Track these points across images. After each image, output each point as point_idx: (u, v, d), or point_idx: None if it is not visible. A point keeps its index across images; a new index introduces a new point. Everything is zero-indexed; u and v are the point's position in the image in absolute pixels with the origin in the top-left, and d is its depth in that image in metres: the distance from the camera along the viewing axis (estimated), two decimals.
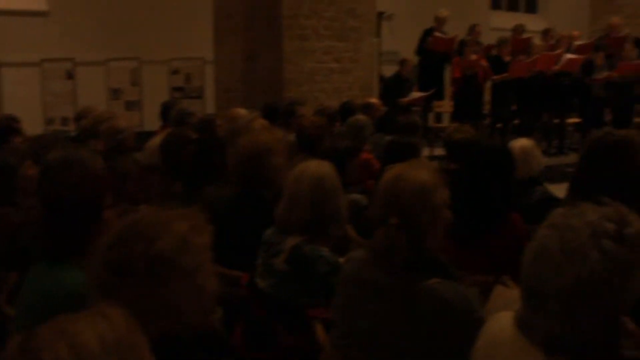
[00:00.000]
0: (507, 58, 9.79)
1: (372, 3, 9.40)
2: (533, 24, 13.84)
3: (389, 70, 10.58)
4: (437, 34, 10.07)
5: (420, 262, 1.99)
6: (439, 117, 10.95)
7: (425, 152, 9.17)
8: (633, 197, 2.69)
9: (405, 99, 9.35)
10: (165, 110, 7.11)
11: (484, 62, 9.61)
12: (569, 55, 9.93)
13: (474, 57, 9.51)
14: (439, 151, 8.27)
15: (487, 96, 10.15)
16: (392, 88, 9.51)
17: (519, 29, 10.96)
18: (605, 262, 1.35)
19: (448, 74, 10.47)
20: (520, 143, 3.97)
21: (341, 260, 2.55)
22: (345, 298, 2.12)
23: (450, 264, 2.09)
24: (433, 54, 10.04)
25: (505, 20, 13.36)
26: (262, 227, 2.84)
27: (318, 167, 2.70)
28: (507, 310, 2.21)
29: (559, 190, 4.20)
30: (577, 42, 10.93)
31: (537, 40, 10.27)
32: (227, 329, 3.08)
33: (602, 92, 10.09)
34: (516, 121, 10.03)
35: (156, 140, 4.49)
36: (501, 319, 1.62)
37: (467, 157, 3.23)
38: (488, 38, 10.92)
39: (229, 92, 9.47)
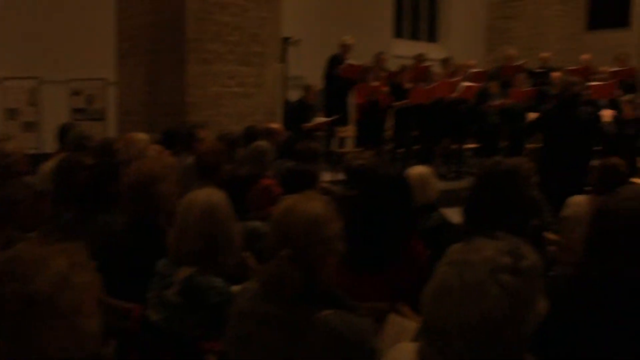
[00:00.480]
0: (408, 85, 10.07)
1: (277, 29, 9.45)
2: (433, 52, 14.31)
3: (296, 95, 10.65)
4: (351, 61, 10.25)
5: (313, 294, 1.97)
6: (342, 143, 11.09)
7: (328, 177, 9.25)
8: (521, 224, 2.81)
9: (309, 125, 9.42)
10: (63, 133, 6.85)
11: (384, 89, 9.83)
12: (466, 83, 10.31)
13: (375, 83, 9.72)
14: (342, 176, 8.36)
15: (389, 122, 10.38)
16: (296, 113, 9.57)
17: (420, 58, 11.31)
18: (505, 296, 1.37)
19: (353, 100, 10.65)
20: (418, 170, 4.07)
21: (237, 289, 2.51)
22: (236, 330, 2.07)
23: (344, 294, 2.09)
24: (339, 80, 10.19)
25: (407, 49, 13.75)
26: (155, 257, 2.76)
27: (208, 197, 2.65)
28: (401, 338, 2.23)
29: (457, 213, 4.32)
30: (474, 70, 11.37)
31: (436, 68, 10.62)
32: None
33: (496, 118, 10.53)
34: (417, 146, 10.28)
35: (49, 164, 4.32)
36: (402, 352, 1.61)
37: (363, 185, 3.27)
38: (391, 65, 11.20)
39: (131, 115, 9.27)
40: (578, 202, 4.50)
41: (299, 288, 1.95)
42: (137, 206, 3.13)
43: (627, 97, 9.66)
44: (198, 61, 8.55)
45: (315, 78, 10.67)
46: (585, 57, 11.78)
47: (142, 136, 5.61)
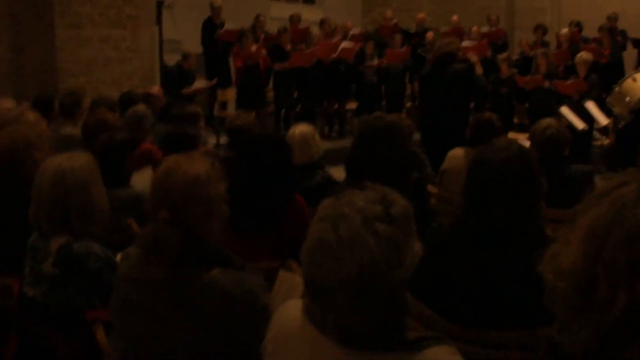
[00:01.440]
0: (288, 47, 10.02)
1: None
2: (311, 14, 14.32)
3: (172, 59, 10.35)
4: (227, 26, 10.06)
5: (197, 255, 1.94)
6: (224, 105, 10.95)
7: (212, 140, 9.14)
8: (401, 177, 2.90)
9: (189, 89, 9.23)
10: None
11: (263, 52, 9.74)
12: (345, 44, 10.40)
13: (254, 47, 9.60)
14: (225, 139, 8.28)
15: (270, 84, 10.33)
16: (174, 78, 9.34)
17: (295, 18, 11.28)
18: (381, 245, 1.36)
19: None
20: (300, 129, 4.07)
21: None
22: (121, 297, 2.01)
23: (230, 254, 2.07)
24: (218, 44, 10.01)
25: (284, 10, 13.64)
26: (29, 230, 2.63)
27: (61, 162, 2.54)
28: (291, 295, 2.25)
29: (340, 172, 4.39)
30: (352, 32, 11.49)
31: (314, 30, 10.63)
32: (3, 341, 2.84)
33: (374, 78, 10.74)
34: (298, 108, 10.32)
35: None
36: (290, 310, 1.60)
37: (243, 145, 3.25)
38: (268, 27, 11.09)
39: None
40: (456, 155, 4.69)
41: (179, 250, 1.91)
42: (6, 175, 2.96)
43: (503, 55, 10.07)
44: (67, 26, 8.10)
45: (191, 42, 10.43)
46: (454, 18, 12.17)
47: (8, 104, 5.29)
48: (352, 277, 1.35)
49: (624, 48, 11.32)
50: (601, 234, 1.09)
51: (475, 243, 2.20)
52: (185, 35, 11.62)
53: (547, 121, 4.27)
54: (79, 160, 2.57)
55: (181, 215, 1.92)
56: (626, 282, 1.06)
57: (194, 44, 10.31)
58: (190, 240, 1.93)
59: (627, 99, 6.95)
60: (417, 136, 6.50)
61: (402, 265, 1.40)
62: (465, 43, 10.86)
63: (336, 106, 10.71)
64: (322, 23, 11.41)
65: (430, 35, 11.48)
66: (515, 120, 10.03)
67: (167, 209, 1.91)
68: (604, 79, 9.67)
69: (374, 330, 1.41)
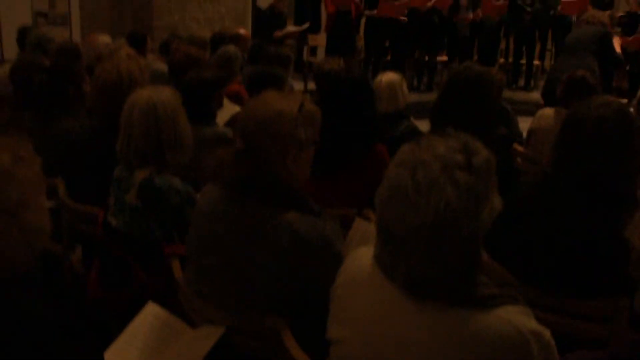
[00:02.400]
0: None
1: None
2: None
3: (266, 2, 10.36)
4: None
5: (276, 195, 1.93)
6: (314, 51, 10.90)
7: (300, 86, 9.14)
8: (487, 131, 2.80)
9: (280, 33, 9.21)
10: (22, 37, 6.59)
11: None
12: None
13: None
14: (313, 85, 8.27)
15: (361, 31, 10.19)
16: (266, 21, 9.33)
17: None
18: (459, 194, 1.32)
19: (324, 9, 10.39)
20: (387, 77, 4.00)
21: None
22: (198, 232, 2.04)
23: (308, 197, 2.05)
24: None
25: None
26: (115, 161, 2.70)
27: (149, 96, 2.56)
28: (365, 242, 2.22)
29: (427, 125, 4.30)
30: None
31: None
32: (87, 267, 2.97)
33: (467, 31, 10.40)
34: (388, 57, 10.15)
35: (6, 68, 4.16)
36: (361, 257, 1.58)
37: (327, 89, 3.20)
38: None
39: (95, 18, 8.93)
40: (545, 114, 4.50)
41: (247, 180, 1.91)
42: (108, 108, 3.01)
43: (606, 13, 9.55)
44: None
45: None
46: None
47: (105, 38, 5.43)
48: (426, 225, 1.32)
49: None
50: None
51: (561, 203, 2.11)
52: None
53: None
54: (166, 94, 2.60)
55: (254, 147, 1.92)
56: None
57: None
58: (261, 174, 1.92)
59: None
60: None
61: (479, 217, 1.35)
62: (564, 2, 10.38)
63: (427, 58, 10.47)
64: None
65: None
66: (615, 83, 9.53)
67: (242, 138, 1.91)
68: None
69: (444, 282, 1.38)
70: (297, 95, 2.09)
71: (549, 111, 4.52)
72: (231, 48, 5.47)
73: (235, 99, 4.72)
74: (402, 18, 9.68)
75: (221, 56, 5.20)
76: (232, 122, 4.43)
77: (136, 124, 2.53)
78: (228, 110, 4.34)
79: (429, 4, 9.93)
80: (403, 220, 1.34)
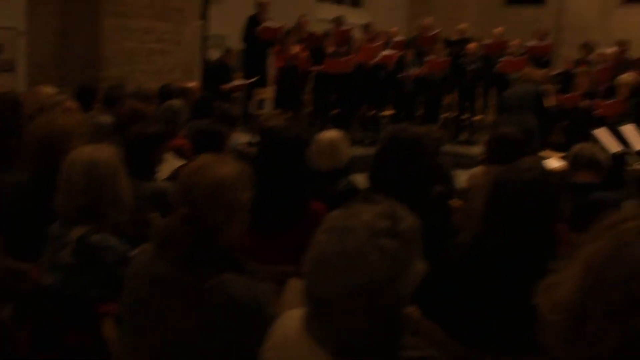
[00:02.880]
0: (330, 50, 10.02)
1: None
2: (357, 17, 14.32)
3: (216, 55, 10.45)
4: (266, 23, 10.11)
5: (210, 257, 1.95)
6: (261, 105, 11.01)
7: (246, 139, 9.19)
8: (424, 190, 2.88)
9: (227, 86, 9.31)
10: None
11: (304, 54, 9.76)
12: (385, 52, 10.35)
13: (295, 48, 9.63)
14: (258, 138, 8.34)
15: (309, 85, 10.35)
16: (214, 73, 9.42)
17: (339, 21, 11.28)
18: (384, 260, 1.35)
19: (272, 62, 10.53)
20: (329, 134, 4.07)
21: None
22: (132, 292, 2.04)
23: (243, 258, 2.07)
24: (258, 41, 10.06)
25: (331, 12, 13.66)
26: (50, 217, 2.68)
27: (91, 152, 2.57)
28: (299, 303, 2.24)
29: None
30: (395, 39, 11.46)
31: (357, 34, 10.62)
32: (18, 326, 2.89)
33: (412, 86, 10.68)
34: (335, 111, 10.31)
35: None
36: (291, 319, 1.60)
37: (265, 144, 3.25)
38: (314, 29, 11.10)
39: (42, 67, 8.84)
40: (476, 173, 4.64)
41: (190, 249, 1.92)
42: (45, 163, 3.00)
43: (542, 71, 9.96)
44: (114, 14, 8.23)
45: (237, 38, 10.49)
46: (497, 30, 12.02)
47: (49, 90, 5.39)
48: (352, 291, 1.35)
49: None
50: (598, 268, 1.07)
51: (488, 264, 2.18)
52: (231, 31, 11.71)
53: (585, 145, 4.21)
54: (107, 151, 2.62)
55: (201, 216, 1.93)
56: (620, 319, 1.04)
57: (238, 41, 10.35)
58: (204, 241, 1.94)
59: None
60: None
61: (403, 282, 1.39)
62: (506, 58, 10.80)
63: (373, 112, 10.68)
64: (365, 27, 11.40)
65: (472, 46, 11.37)
66: (552, 138, 9.88)
67: (187, 207, 1.93)
68: None
69: (369, 346, 1.40)
70: (234, 158, 2.12)
71: (479, 170, 4.67)
72: (176, 102, 5.50)
73: (179, 153, 4.74)
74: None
75: (166, 110, 5.23)
76: (174, 176, 4.44)
77: (76, 181, 2.52)
78: (171, 164, 4.34)
79: (375, 61, 10.17)
80: (330, 286, 1.37)
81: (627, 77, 8.96)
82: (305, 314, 1.50)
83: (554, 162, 5.79)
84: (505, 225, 2.16)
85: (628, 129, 7.70)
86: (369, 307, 1.36)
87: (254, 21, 10.15)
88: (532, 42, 11.65)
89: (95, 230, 2.51)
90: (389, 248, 1.37)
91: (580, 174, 3.99)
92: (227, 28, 11.85)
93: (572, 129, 9.26)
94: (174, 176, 4.46)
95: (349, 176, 4.10)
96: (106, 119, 5.57)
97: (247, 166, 2.09)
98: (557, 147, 9.16)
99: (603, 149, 4.35)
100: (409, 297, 1.45)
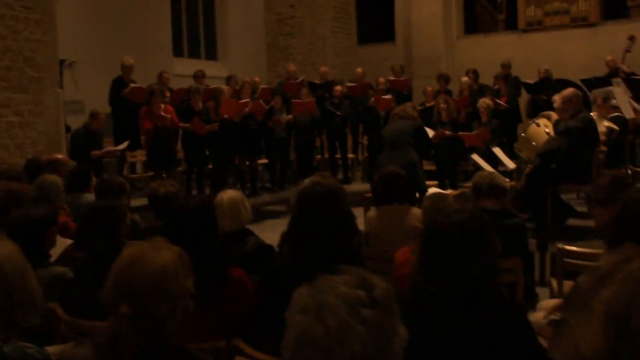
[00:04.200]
0: (198, 106, 9.86)
1: (54, 52, 8.80)
2: (214, 70, 14.32)
3: (74, 121, 10.01)
4: (134, 84, 9.81)
5: (162, 355, 1.80)
6: (133, 167, 10.65)
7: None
8: (344, 242, 2.85)
9: (98, 152, 8.92)
10: None
11: (170, 112, 9.51)
12: (253, 105, 10.30)
13: (162, 107, 9.38)
14: (136, 202, 8.03)
15: (180, 143, 10.13)
16: (81, 141, 8.98)
17: (199, 75, 11.19)
18: (371, 332, 1.32)
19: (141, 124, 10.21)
20: (228, 195, 3.97)
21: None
22: None
23: (189, 351, 1.92)
24: (126, 103, 9.70)
25: (187, 67, 13.57)
26: None
27: None
28: None
29: (258, 228, 4.29)
30: (261, 87, 11.53)
31: (223, 86, 10.54)
32: None
33: (283, 132, 10.75)
34: (210, 166, 10.15)
35: None
36: None
37: (168, 216, 3.14)
38: (172, 84, 10.93)
39: None
40: (372, 217, 4.71)
41: (141, 351, 1.76)
42: None
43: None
44: None
45: (94, 102, 10.13)
46: (359, 70, 12.45)
47: None
48: None
49: (518, 94, 11.90)
50: (621, 315, 1.07)
51: (436, 310, 2.17)
52: (87, 95, 11.30)
53: (484, 173, 4.36)
54: (9, 248, 2.34)
55: (145, 311, 1.77)
56: None
57: (97, 104, 9.95)
58: (153, 339, 1.78)
59: (534, 143, 7.26)
60: None
61: (392, 350, 1.36)
62: (376, 96, 11.19)
63: (247, 163, 10.62)
64: (229, 79, 11.36)
65: (338, 89, 11.66)
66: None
67: (129, 303, 1.76)
68: (504, 124, 10.14)
69: None
70: (164, 242, 1.98)
71: (373, 213, 4.75)
72: (52, 177, 5.18)
73: (64, 231, 4.45)
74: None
75: (43, 188, 4.91)
76: (63, 258, 4.15)
77: None
78: (59, 244, 4.07)
79: (245, 111, 10.11)
80: None
81: (487, 101, 9.56)
82: None
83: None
84: (448, 266, 2.15)
85: (497, 151, 8.22)
86: None
87: (119, 83, 9.81)
88: (391, 77, 12.14)
89: (6, 339, 2.20)
90: (371, 318, 1.33)
91: (482, 201, 4.11)
92: (82, 93, 11.46)
93: (441, 156, 9.69)
94: (64, 257, 4.18)
95: (253, 234, 4.02)
96: None
97: (181, 249, 1.96)
98: (429, 176, 9.55)
99: (499, 175, 4.51)
100: None
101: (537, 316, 3.38)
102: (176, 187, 4.33)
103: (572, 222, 7.07)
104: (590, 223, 4.44)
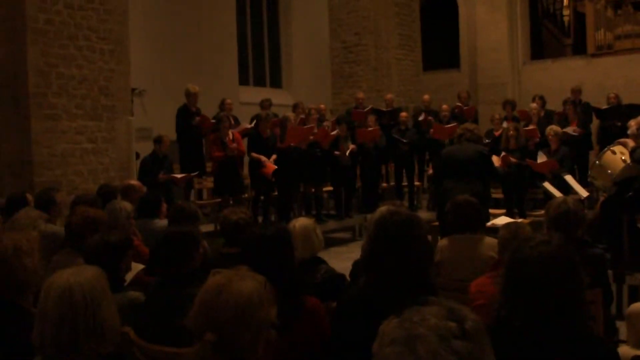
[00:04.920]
0: (267, 133, 9.97)
1: (127, 81, 9.05)
2: (280, 98, 14.47)
3: (143, 148, 10.24)
4: (204, 114, 9.98)
5: None
6: (200, 194, 10.80)
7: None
8: (420, 273, 2.78)
9: (165, 176, 9.09)
10: None
11: (237, 137, 9.65)
12: (320, 132, 10.37)
13: (229, 134, 9.52)
14: (203, 228, 8.10)
15: (246, 170, 10.24)
16: (149, 167, 9.19)
17: (266, 103, 11.31)
18: None
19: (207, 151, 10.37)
20: (300, 222, 3.97)
21: None
22: None
23: None
24: (193, 130, 9.85)
25: (253, 95, 13.78)
26: (21, 345, 2.42)
27: (68, 277, 2.28)
28: None
29: (323, 256, 4.26)
30: (328, 120, 11.55)
31: (290, 114, 10.63)
32: None
33: (348, 160, 10.72)
34: (275, 193, 10.21)
35: None
36: None
37: (246, 244, 3.14)
38: (238, 112, 11.07)
39: None
40: (443, 246, 4.62)
41: None
42: None
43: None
44: (43, 117, 7.96)
45: (162, 129, 10.32)
46: (426, 97, 12.42)
47: None
48: None
49: (589, 120, 11.61)
50: None
51: (522, 347, 2.08)
52: (154, 122, 11.56)
53: (556, 201, 4.17)
54: (88, 275, 2.36)
55: (229, 340, 1.77)
56: None
57: (164, 131, 10.14)
58: None
59: (609, 171, 7.03)
60: None
61: None
62: (437, 125, 11.08)
63: (313, 190, 10.63)
64: (295, 107, 11.45)
65: (404, 115, 11.61)
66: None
67: (214, 330, 1.76)
68: (575, 152, 9.88)
69: None
70: (249, 272, 1.97)
71: (444, 242, 4.67)
72: (122, 203, 5.29)
73: (136, 256, 4.51)
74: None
75: (114, 213, 5.00)
76: (135, 282, 4.20)
77: (50, 310, 2.23)
78: (132, 269, 4.12)
79: (311, 138, 10.16)
80: None
81: (555, 128, 9.35)
82: None
83: (504, 221, 5.81)
84: (534, 302, 2.07)
85: (569, 179, 7.99)
86: None
87: (184, 111, 10.00)
88: (458, 104, 12.03)
89: None
90: (463, 350, 1.31)
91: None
92: (150, 120, 11.73)
93: (509, 185, 9.48)
94: (135, 282, 4.24)
95: (325, 262, 3.99)
96: (52, 227, 5.31)
97: (265, 278, 1.95)
98: (497, 205, 9.36)
99: (577, 202, 4.34)
100: None
101: (623, 350, 3.23)
102: (247, 214, 4.34)
103: None
104: None
